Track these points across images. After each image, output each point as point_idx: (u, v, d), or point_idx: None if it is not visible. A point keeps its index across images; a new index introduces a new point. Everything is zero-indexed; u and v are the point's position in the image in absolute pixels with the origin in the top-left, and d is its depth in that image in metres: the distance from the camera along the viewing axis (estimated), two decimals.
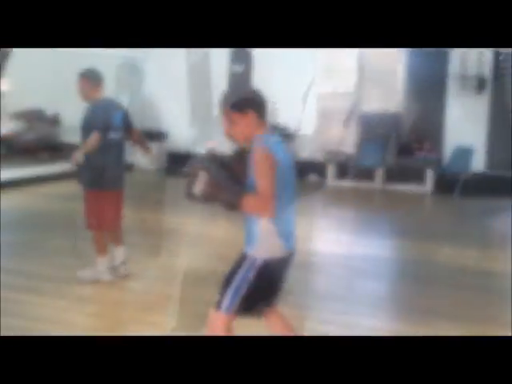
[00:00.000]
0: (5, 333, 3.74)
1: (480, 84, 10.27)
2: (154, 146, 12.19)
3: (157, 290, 4.78)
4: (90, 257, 5.56)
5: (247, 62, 10.90)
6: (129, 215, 7.41)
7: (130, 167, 12.03)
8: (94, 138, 4.65)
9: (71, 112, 11.98)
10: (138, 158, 12.35)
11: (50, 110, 12.47)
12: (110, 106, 4.84)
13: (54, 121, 12.66)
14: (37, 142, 11.83)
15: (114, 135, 4.79)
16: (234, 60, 10.83)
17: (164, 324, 4.12)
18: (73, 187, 9.71)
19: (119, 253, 4.98)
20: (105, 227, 4.91)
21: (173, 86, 11.23)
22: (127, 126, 4.96)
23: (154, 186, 10.35)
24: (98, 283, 4.85)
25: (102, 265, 4.85)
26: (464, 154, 10.39)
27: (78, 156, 4.67)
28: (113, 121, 4.79)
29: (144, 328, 4.03)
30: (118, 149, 4.87)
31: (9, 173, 9.61)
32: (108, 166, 4.79)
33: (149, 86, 11.95)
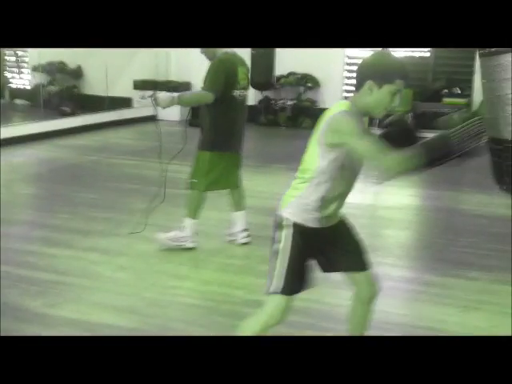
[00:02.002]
0: (39, 287, 3.79)
1: None
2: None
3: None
4: (119, 210, 5.63)
5: None
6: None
7: (152, 118, 12.10)
8: (204, 93, 4.38)
9: (93, 65, 12.06)
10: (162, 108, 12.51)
11: (72, 63, 12.41)
12: (233, 62, 4.52)
13: (77, 73, 12.61)
14: (60, 94, 11.81)
15: (238, 93, 4.51)
16: None
17: (197, 277, 4.13)
18: (96, 139, 9.86)
19: (240, 218, 4.79)
20: (223, 187, 4.73)
21: None
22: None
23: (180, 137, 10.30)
24: (124, 236, 4.86)
25: (190, 229, 4.62)
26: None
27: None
28: (237, 78, 4.49)
29: (170, 280, 4.05)
30: (241, 108, 4.61)
31: (34, 126, 9.65)
32: (233, 126, 4.54)
33: None
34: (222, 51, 4.47)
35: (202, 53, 4.55)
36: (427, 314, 3.70)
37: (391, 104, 2.47)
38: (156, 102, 4.29)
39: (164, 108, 4.30)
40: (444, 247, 4.96)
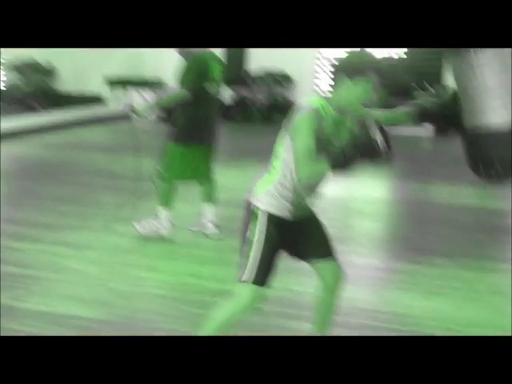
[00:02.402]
0: (6, 281, 3.78)
1: None
2: (151, 94, 12.22)
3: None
4: (88, 204, 5.62)
5: None
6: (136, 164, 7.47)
7: (126, 117, 12.06)
8: (179, 91, 4.44)
9: (66, 62, 11.99)
10: (135, 105, 12.47)
11: (44, 61, 12.33)
12: (207, 58, 4.56)
13: (49, 71, 12.53)
14: (33, 92, 11.72)
15: (211, 88, 4.55)
16: None
17: (167, 268, 4.14)
18: (68, 136, 9.80)
19: (209, 210, 4.82)
20: (194, 180, 4.76)
21: None
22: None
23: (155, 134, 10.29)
24: (93, 230, 4.86)
25: (164, 218, 4.69)
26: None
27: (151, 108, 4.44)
28: (211, 73, 4.54)
29: (139, 271, 4.06)
30: (213, 103, 4.66)
31: (6, 123, 9.57)
32: (203, 120, 4.57)
33: None
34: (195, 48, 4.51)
35: (176, 50, 4.58)
36: (393, 299, 3.76)
37: (367, 98, 2.52)
38: (135, 113, 4.37)
39: (143, 117, 4.38)
40: (410, 236, 5.04)
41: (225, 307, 2.70)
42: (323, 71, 11.80)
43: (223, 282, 3.87)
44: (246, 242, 2.63)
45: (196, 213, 4.96)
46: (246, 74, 11.80)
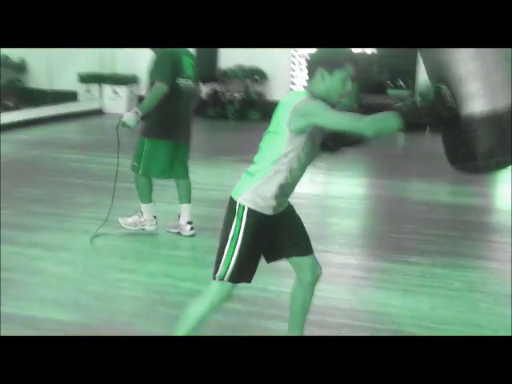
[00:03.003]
0: None
1: None
2: (124, 90, 12.14)
3: (131, 238, 4.74)
4: (62, 204, 5.55)
5: None
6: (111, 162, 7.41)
7: (98, 112, 11.96)
8: (158, 86, 4.38)
9: (37, 58, 11.82)
10: (108, 102, 12.40)
11: (15, 57, 12.15)
12: (178, 51, 4.52)
13: (21, 67, 12.35)
14: (3, 88, 11.54)
15: (184, 82, 4.51)
16: None
17: (143, 269, 4.11)
18: (40, 134, 9.68)
19: (186, 211, 4.76)
20: (168, 176, 4.73)
21: None
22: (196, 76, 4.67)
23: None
24: (68, 231, 4.81)
25: (147, 213, 4.69)
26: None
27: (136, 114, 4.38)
28: (182, 67, 4.50)
29: (114, 273, 4.02)
30: (188, 98, 4.60)
31: None
32: (178, 115, 4.53)
33: None
34: None
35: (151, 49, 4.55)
36: (369, 298, 3.78)
37: (344, 89, 2.53)
38: (127, 126, 4.35)
39: (134, 126, 4.38)
40: (386, 234, 5.07)
41: (196, 304, 2.70)
42: (298, 67, 11.81)
43: (200, 283, 3.85)
44: (225, 239, 2.62)
45: (172, 213, 4.94)
46: (220, 70, 11.76)
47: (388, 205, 6.10)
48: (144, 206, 4.69)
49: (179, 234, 4.77)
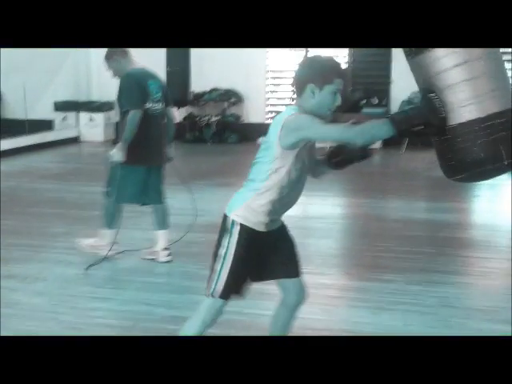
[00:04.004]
0: None
1: None
2: (101, 117, 12.14)
3: (105, 265, 4.73)
4: (38, 235, 5.52)
5: None
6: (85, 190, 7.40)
7: (74, 140, 11.94)
8: (133, 114, 4.40)
9: (12, 87, 11.79)
10: (85, 130, 12.39)
11: None
12: (144, 75, 4.56)
13: None
14: None
15: (152, 106, 4.53)
16: None
17: (117, 297, 4.10)
18: (16, 164, 9.63)
19: (162, 237, 4.75)
20: (143, 203, 4.75)
21: None
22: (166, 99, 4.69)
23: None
24: (42, 261, 4.79)
25: (107, 238, 4.67)
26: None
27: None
28: (149, 91, 4.52)
29: (88, 302, 4.01)
30: (159, 122, 4.61)
31: None
32: (149, 140, 4.52)
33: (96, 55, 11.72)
34: (130, 66, 4.52)
35: (108, 69, 4.57)
36: (343, 317, 3.81)
37: (334, 103, 2.57)
38: (116, 160, 4.41)
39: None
40: (360, 253, 5.11)
41: (191, 324, 2.71)
42: (273, 88, 11.91)
43: (175, 309, 3.86)
44: (216, 255, 2.65)
45: (148, 239, 4.93)
46: (194, 93, 11.82)
47: (364, 223, 6.15)
48: (106, 232, 4.66)
49: (155, 260, 4.76)
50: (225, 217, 2.67)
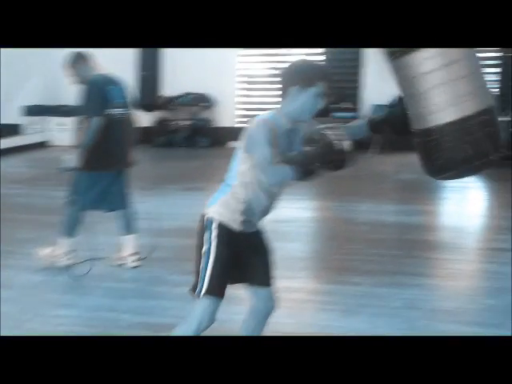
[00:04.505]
0: None
1: None
2: (70, 121, 12.00)
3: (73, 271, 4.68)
4: (4, 241, 5.45)
5: None
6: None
7: (43, 145, 11.82)
8: (94, 121, 4.38)
9: None
10: (54, 134, 12.25)
11: None
12: (105, 81, 4.52)
13: None
14: None
15: (114, 112, 4.49)
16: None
17: (84, 304, 4.07)
18: None
19: (130, 242, 4.72)
20: (108, 209, 4.70)
21: None
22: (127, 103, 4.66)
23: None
24: (8, 268, 4.72)
25: (65, 247, 4.61)
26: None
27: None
28: (111, 96, 4.48)
29: (55, 309, 3.97)
30: (122, 127, 4.57)
31: None
32: (111, 145, 4.49)
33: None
34: (92, 72, 4.49)
35: (70, 76, 4.54)
36: (312, 320, 3.82)
37: (317, 106, 2.59)
38: (70, 166, 4.41)
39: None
40: (330, 256, 5.14)
41: (186, 325, 2.70)
42: (245, 92, 11.93)
43: (142, 315, 3.84)
44: (199, 255, 2.66)
45: (116, 245, 4.90)
46: (165, 97, 11.79)
47: (333, 226, 6.19)
48: (65, 240, 4.62)
49: (124, 265, 4.73)
50: (202, 215, 2.71)
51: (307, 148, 2.50)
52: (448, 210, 7.27)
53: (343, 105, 10.94)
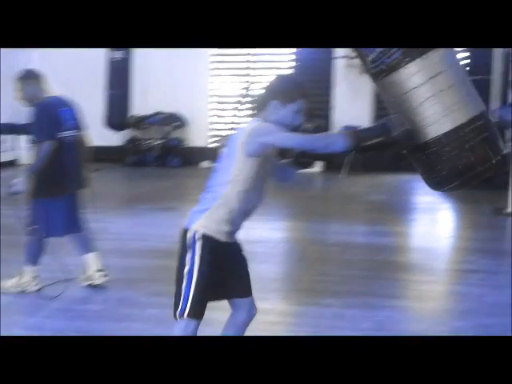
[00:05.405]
0: None
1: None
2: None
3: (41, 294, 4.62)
4: None
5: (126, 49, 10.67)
6: None
7: (12, 163, 11.66)
8: (45, 146, 4.31)
9: None
10: (23, 153, 12.10)
11: None
12: (56, 104, 4.48)
13: None
14: None
15: (66, 134, 4.44)
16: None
17: (47, 327, 4.00)
18: None
19: (91, 260, 4.67)
20: (63, 233, 4.63)
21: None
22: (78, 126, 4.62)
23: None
24: None
25: (29, 275, 4.56)
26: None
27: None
28: (63, 119, 4.44)
29: (23, 333, 3.90)
30: (74, 149, 4.52)
31: None
32: (64, 169, 4.44)
33: None
34: (43, 94, 4.45)
35: (20, 92, 4.49)
36: None
37: (294, 122, 2.63)
38: (18, 190, 4.36)
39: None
40: (300, 277, 5.15)
41: None
42: (217, 112, 11.96)
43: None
44: (181, 274, 2.64)
45: (81, 266, 4.84)
46: (136, 117, 11.75)
47: (303, 247, 6.21)
48: (29, 269, 4.57)
49: (93, 284, 4.67)
50: (184, 232, 2.68)
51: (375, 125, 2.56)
52: (417, 231, 7.34)
53: (314, 125, 11.01)
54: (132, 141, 11.86)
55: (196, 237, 2.63)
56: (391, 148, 2.66)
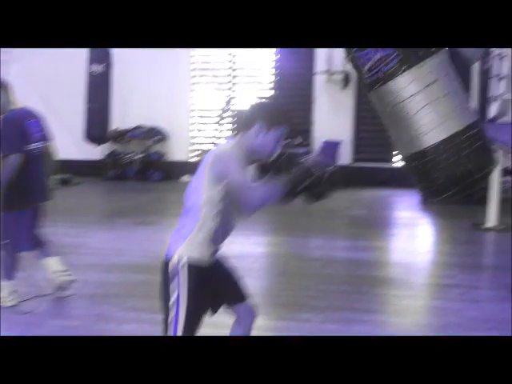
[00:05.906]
0: None
1: (345, 79, 10.71)
2: None
3: (18, 309, 4.56)
4: None
5: (107, 61, 10.67)
6: None
7: None
8: (13, 159, 4.28)
9: None
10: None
11: None
12: (24, 116, 4.45)
13: None
14: None
15: (33, 146, 4.42)
16: (93, 59, 10.54)
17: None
18: None
19: (54, 262, 4.68)
20: (32, 247, 4.61)
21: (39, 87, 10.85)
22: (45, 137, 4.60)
23: None
24: None
25: (6, 289, 4.51)
26: (331, 147, 10.78)
27: None
28: (30, 131, 4.42)
29: None
30: (39, 160, 4.50)
31: None
32: (31, 181, 4.43)
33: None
34: (10, 106, 4.42)
35: None
36: None
37: (275, 148, 2.64)
38: None
39: None
40: (279, 292, 5.14)
41: None
42: (198, 127, 11.96)
43: None
44: (166, 307, 2.62)
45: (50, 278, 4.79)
46: (117, 130, 11.71)
47: (283, 262, 6.20)
48: (5, 283, 4.53)
49: (64, 285, 4.69)
50: (166, 263, 2.64)
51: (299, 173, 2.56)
52: (397, 246, 7.37)
53: (296, 141, 11.05)
54: (112, 155, 11.80)
55: (180, 264, 2.61)
56: (321, 187, 2.64)
